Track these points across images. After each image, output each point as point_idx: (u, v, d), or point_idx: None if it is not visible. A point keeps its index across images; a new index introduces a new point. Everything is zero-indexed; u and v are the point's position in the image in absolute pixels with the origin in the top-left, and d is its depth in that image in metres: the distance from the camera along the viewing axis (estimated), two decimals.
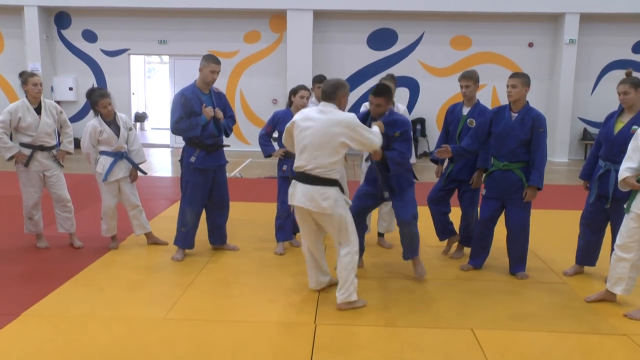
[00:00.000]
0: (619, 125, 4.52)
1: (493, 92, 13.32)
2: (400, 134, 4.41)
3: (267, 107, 13.45)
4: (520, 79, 4.62)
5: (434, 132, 13.58)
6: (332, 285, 4.41)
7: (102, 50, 13.96)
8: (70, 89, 13.91)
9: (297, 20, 13.15)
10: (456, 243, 5.46)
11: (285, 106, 5.60)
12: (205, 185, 5.20)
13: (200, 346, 3.54)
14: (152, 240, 5.65)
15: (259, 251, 5.50)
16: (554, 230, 6.41)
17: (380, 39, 13.63)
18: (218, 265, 5.11)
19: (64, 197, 5.42)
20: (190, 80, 5.24)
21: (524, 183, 4.66)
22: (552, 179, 10.02)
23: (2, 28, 13.86)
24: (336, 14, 13.41)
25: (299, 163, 4.02)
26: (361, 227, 4.79)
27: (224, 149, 5.34)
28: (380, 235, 5.75)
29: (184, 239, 5.24)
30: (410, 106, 13.61)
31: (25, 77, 5.23)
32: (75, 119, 13.41)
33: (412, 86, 13.73)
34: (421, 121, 13.77)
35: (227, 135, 5.33)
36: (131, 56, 14.38)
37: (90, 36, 13.91)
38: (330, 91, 4.02)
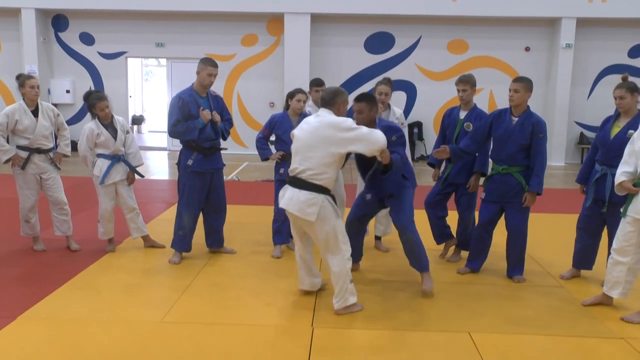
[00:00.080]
0: (615, 130, 4.54)
1: (490, 96, 13.36)
2: (397, 138, 4.41)
3: (265, 110, 13.45)
4: (523, 84, 4.62)
5: (431, 135, 13.61)
6: (324, 289, 4.46)
7: (100, 53, 13.95)
8: (68, 91, 13.89)
9: (295, 24, 13.16)
10: (453, 247, 5.47)
11: (282, 109, 5.61)
12: (202, 188, 5.19)
13: (198, 349, 3.53)
14: (149, 243, 5.64)
15: (256, 254, 5.50)
16: (550, 233, 6.42)
17: (378, 42, 13.66)
18: (215, 269, 5.10)
19: (60, 200, 5.41)
20: (187, 83, 5.24)
21: (523, 187, 4.67)
22: (548, 183, 9.99)
23: None
24: (334, 17, 13.43)
25: (292, 166, 4.05)
26: (361, 233, 4.79)
27: (222, 152, 5.34)
28: (378, 238, 5.75)
29: (181, 242, 5.23)
30: (407, 110, 13.65)
31: (22, 79, 5.23)
32: (72, 121, 13.38)
33: (409, 90, 13.76)
34: (418, 125, 13.79)
35: (225, 139, 5.33)
36: (128, 59, 14.37)
37: (87, 39, 13.90)
38: (329, 98, 4.05)
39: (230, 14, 13.32)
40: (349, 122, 3.94)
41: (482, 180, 5.07)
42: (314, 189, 3.93)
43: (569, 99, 13.23)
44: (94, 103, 5.21)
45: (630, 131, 4.31)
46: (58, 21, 13.88)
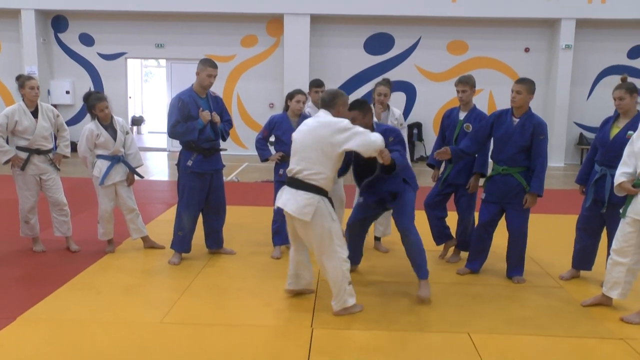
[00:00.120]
0: (615, 131, 4.54)
1: (489, 97, 13.36)
2: (395, 138, 4.40)
3: (264, 111, 13.45)
4: (526, 86, 4.62)
5: (430, 136, 13.62)
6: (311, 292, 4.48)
7: (99, 54, 13.95)
8: (67, 92, 13.89)
9: (294, 25, 13.17)
10: (453, 247, 5.47)
11: (282, 110, 5.61)
12: (202, 189, 5.20)
13: (197, 350, 3.53)
14: (148, 244, 5.64)
15: (256, 255, 5.50)
16: (550, 234, 6.42)
17: (377, 43, 13.66)
18: (215, 269, 5.10)
19: (60, 201, 5.41)
20: (187, 84, 5.24)
21: (523, 187, 4.67)
22: (548, 184, 9.93)
23: None
24: (333, 18, 13.44)
25: (290, 167, 4.06)
26: (361, 236, 4.78)
27: (221, 153, 5.35)
28: (377, 239, 5.75)
29: (181, 243, 5.24)
30: (407, 111, 13.65)
31: (22, 80, 5.23)
32: (72, 122, 13.37)
33: (409, 91, 13.76)
34: (418, 126, 13.80)
35: (224, 139, 5.34)
36: (128, 60, 14.37)
37: (87, 40, 13.90)
38: (328, 99, 4.07)
39: (230, 14, 13.33)
40: (345, 122, 3.95)
41: (481, 181, 5.08)
42: (311, 190, 3.93)
43: (569, 99, 13.24)
44: (94, 104, 5.21)
45: (630, 132, 4.31)
46: (58, 22, 13.88)
